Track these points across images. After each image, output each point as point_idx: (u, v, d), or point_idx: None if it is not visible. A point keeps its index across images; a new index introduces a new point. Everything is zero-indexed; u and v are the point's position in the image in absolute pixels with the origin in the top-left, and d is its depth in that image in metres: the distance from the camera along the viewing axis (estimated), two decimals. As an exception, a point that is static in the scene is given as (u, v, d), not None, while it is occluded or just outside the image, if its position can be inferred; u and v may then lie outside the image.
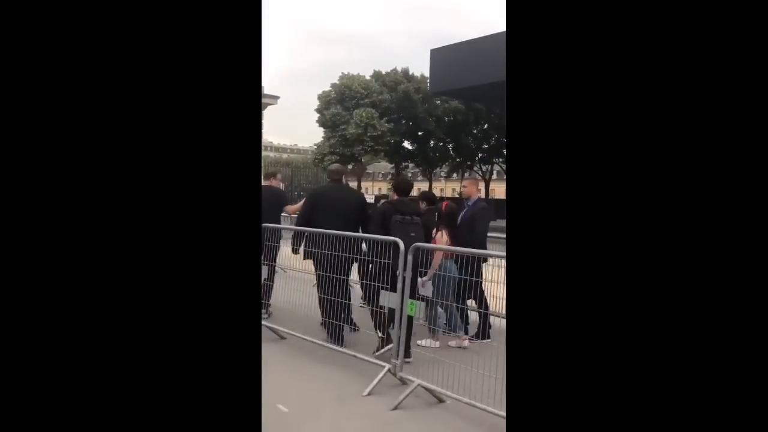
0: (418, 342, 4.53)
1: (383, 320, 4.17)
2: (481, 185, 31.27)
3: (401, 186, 4.84)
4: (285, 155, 59.40)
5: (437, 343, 4.55)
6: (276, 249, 5.17)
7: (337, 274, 4.35)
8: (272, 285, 5.35)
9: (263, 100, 19.64)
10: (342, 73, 33.91)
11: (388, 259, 3.90)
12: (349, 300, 4.76)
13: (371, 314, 4.35)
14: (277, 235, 5.12)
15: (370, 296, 4.22)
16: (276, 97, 20.32)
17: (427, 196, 5.62)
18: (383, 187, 47.53)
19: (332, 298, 4.41)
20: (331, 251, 4.33)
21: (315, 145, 36.46)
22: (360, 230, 4.84)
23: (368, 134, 31.11)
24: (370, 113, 31.07)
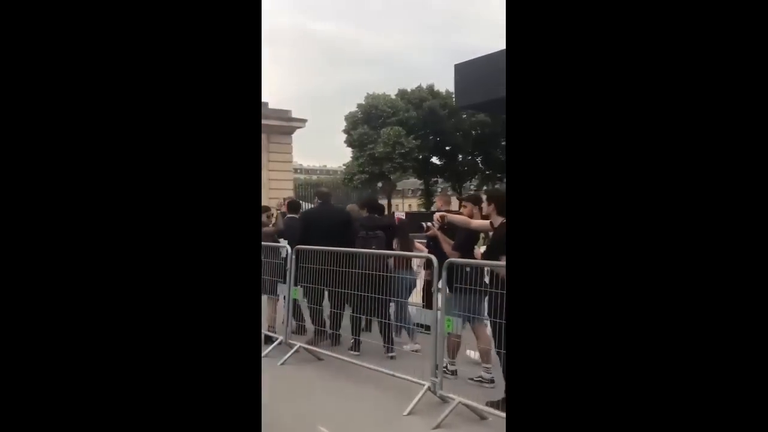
0: (404, 346, 5.01)
1: (359, 325, 4.98)
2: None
3: (369, 203, 5.52)
4: (315, 177, 60.05)
5: (418, 345, 5.02)
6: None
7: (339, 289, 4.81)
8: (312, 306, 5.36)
9: (291, 124, 20.00)
10: (367, 93, 34.29)
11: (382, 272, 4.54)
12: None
13: (350, 320, 5.00)
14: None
15: (358, 305, 4.82)
16: (304, 120, 20.63)
17: (368, 204, 5.61)
18: (413, 203, 47.53)
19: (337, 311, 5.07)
20: (333, 267, 4.79)
21: (344, 165, 36.79)
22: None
23: (396, 152, 31.25)
24: (398, 131, 31.24)
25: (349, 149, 34.11)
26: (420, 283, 5.52)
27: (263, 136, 19.18)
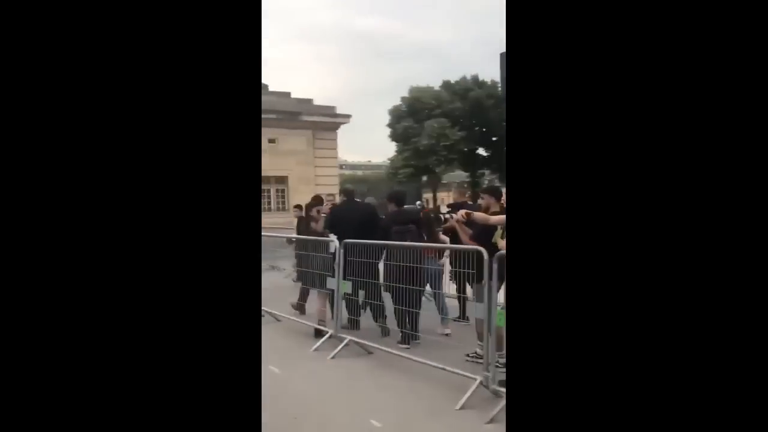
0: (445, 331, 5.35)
1: (403, 317, 5.02)
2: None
3: (396, 197, 5.66)
4: (360, 172, 60.28)
5: (448, 330, 5.41)
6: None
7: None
8: (358, 300, 5.39)
9: (335, 120, 20.18)
10: (411, 86, 34.08)
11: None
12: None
13: (395, 313, 5.07)
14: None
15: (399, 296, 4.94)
16: (348, 116, 20.74)
17: (394, 198, 5.75)
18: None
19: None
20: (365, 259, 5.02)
21: (389, 159, 36.79)
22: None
23: (441, 144, 30.98)
24: (442, 123, 30.96)
25: (394, 143, 34.07)
26: (447, 274, 5.70)
27: (309, 133, 19.44)
